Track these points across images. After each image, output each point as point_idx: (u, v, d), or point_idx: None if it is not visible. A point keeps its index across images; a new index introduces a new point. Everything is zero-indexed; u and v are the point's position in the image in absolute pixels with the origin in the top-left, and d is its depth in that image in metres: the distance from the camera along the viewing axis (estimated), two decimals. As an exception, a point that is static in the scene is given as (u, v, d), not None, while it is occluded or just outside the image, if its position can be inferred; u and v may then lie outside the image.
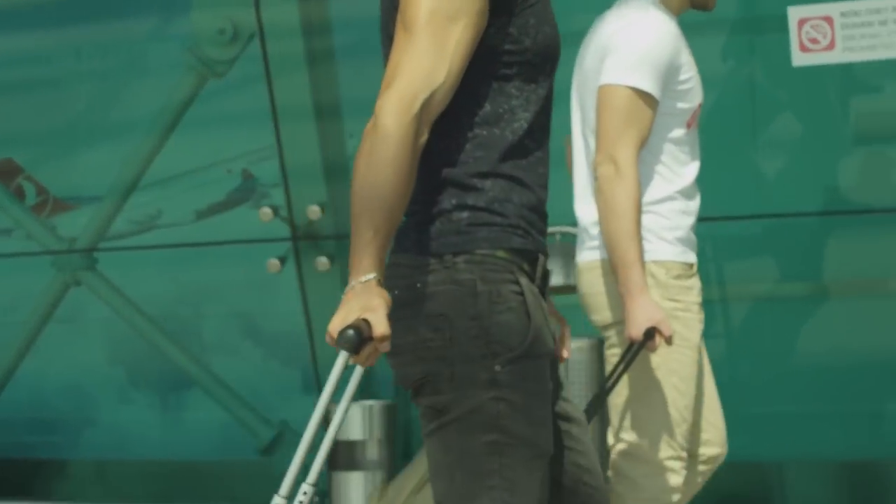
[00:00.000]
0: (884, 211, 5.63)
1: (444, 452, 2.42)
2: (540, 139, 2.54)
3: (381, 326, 2.27)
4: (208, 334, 6.76)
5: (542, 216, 2.55)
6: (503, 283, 2.41)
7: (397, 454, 5.18)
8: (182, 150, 6.59)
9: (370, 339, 2.28)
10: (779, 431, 5.59)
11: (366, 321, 2.27)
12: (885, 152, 5.78)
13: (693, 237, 3.95)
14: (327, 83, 6.37)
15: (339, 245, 6.35)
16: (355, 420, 5.11)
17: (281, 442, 6.47)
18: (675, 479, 3.79)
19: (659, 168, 3.84)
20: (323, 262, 6.22)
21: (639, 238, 3.69)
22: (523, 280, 2.45)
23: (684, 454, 3.82)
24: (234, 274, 6.54)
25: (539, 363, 2.43)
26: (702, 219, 4.05)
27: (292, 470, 2.36)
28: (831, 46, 5.30)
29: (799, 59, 5.37)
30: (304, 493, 2.33)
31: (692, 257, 3.92)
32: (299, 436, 6.83)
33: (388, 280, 2.44)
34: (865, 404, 5.69)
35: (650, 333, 3.65)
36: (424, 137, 2.38)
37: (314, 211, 6.20)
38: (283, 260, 6.30)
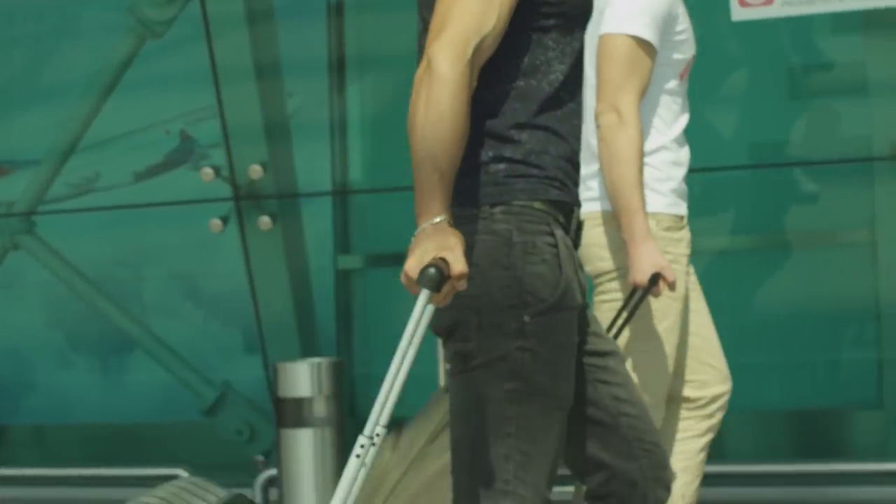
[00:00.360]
0: (825, 163, 5.72)
1: (466, 397, 2.47)
2: (573, 91, 2.59)
3: (459, 264, 2.31)
4: (149, 296, 6.74)
5: (577, 167, 2.60)
6: (538, 235, 2.47)
7: (345, 410, 5.21)
8: (120, 111, 6.55)
9: (448, 277, 2.32)
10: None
11: (443, 260, 2.30)
12: (826, 105, 5.87)
13: (684, 187, 3.98)
14: (267, 43, 6.35)
15: (280, 204, 6.35)
16: (303, 377, 5.13)
17: (224, 402, 6.47)
18: None
19: (654, 119, 3.88)
20: (265, 221, 6.22)
21: (642, 185, 3.70)
22: (558, 232, 2.50)
23: (663, 403, 3.88)
24: (174, 235, 6.52)
25: (567, 316, 2.48)
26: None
27: (376, 410, 2.40)
28: (770, 1, 5.36)
29: (738, 13, 5.42)
30: (378, 435, 2.36)
31: (683, 209, 3.95)
32: (242, 396, 6.87)
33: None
34: (811, 355, 5.79)
35: (654, 279, 3.69)
36: (475, 83, 2.42)
37: (256, 170, 6.19)
38: (224, 220, 6.29)
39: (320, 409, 5.15)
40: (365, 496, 3.00)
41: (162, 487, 4.64)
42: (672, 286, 3.71)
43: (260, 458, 6.15)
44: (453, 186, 2.44)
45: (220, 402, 6.46)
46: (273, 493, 5.86)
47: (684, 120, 3.97)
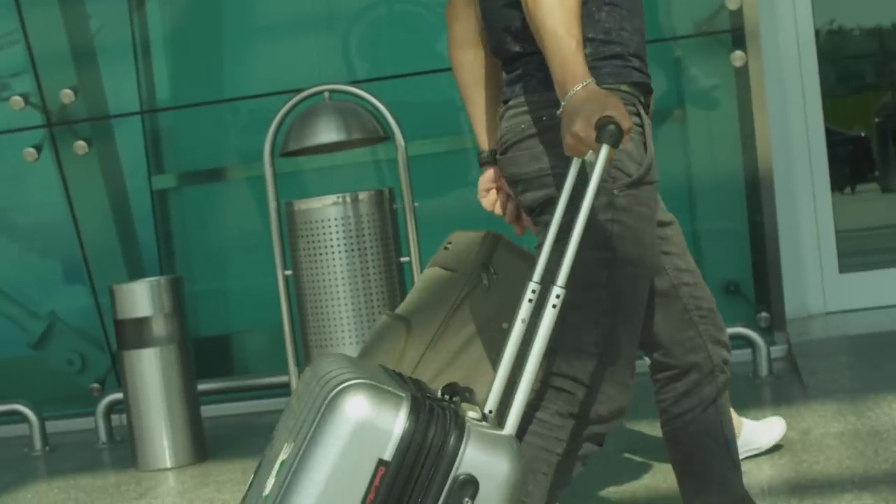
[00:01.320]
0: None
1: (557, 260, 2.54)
2: None
3: (626, 120, 2.37)
4: (-35, 233, 6.59)
5: (645, 44, 2.70)
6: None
7: (186, 327, 5.20)
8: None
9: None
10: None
11: (608, 117, 2.36)
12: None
13: None
14: (66, -35, 6.24)
15: (94, 128, 6.26)
16: (141, 297, 5.11)
17: (52, 334, 6.40)
18: None
19: None
20: (81, 145, 6.13)
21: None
22: (642, 112, 2.62)
23: None
24: (-14, 168, 6.38)
25: (651, 189, 2.60)
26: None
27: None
28: None
29: None
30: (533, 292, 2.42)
31: None
32: (70, 326, 6.79)
33: (515, 118, 2.62)
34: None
35: None
36: None
37: (67, 95, 6.09)
38: (38, 148, 6.17)
39: (160, 327, 5.14)
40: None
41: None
42: None
43: (95, 386, 6.11)
44: (542, 74, 2.53)
45: (47, 333, 6.39)
46: (116, 420, 5.85)
47: None
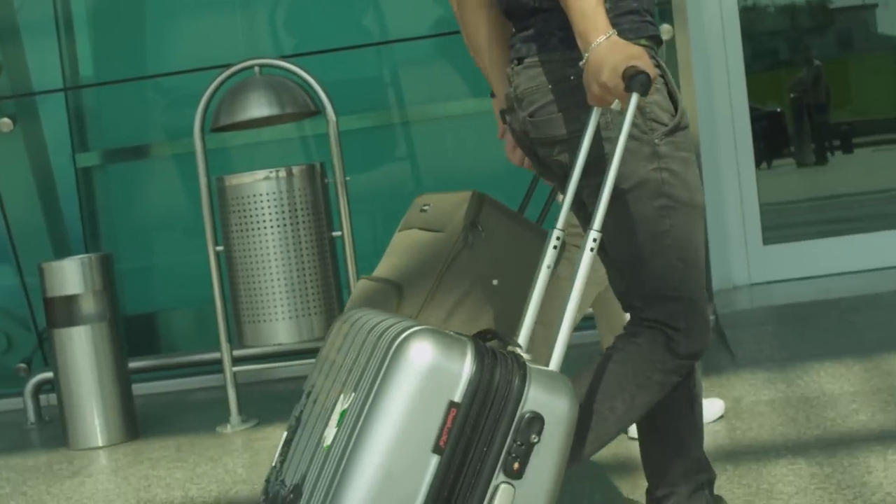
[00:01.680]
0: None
1: (621, 222, 2.66)
2: None
3: (651, 69, 2.46)
4: None
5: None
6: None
7: (116, 304, 5.17)
8: None
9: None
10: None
11: (634, 67, 2.44)
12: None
13: None
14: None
15: (18, 105, 6.18)
16: (72, 274, 5.06)
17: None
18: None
19: None
20: (6, 122, 6.05)
21: None
22: (662, 63, 2.69)
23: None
24: None
25: (685, 134, 2.69)
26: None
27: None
28: None
29: None
30: (557, 239, 2.54)
31: None
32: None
33: (537, 78, 2.68)
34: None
35: None
36: None
37: (-10, 71, 6.02)
38: (-38, 125, 6.09)
39: (89, 305, 5.10)
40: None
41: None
42: None
43: (22, 365, 6.05)
44: (562, 33, 2.61)
45: (-26, 310, 6.32)
46: (44, 400, 5.81)
47: None
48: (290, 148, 6.29)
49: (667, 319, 2.69)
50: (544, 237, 3.35)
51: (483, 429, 2.20)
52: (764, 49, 6.71)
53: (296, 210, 4.87)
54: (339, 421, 2.26)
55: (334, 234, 5.01)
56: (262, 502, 2.50)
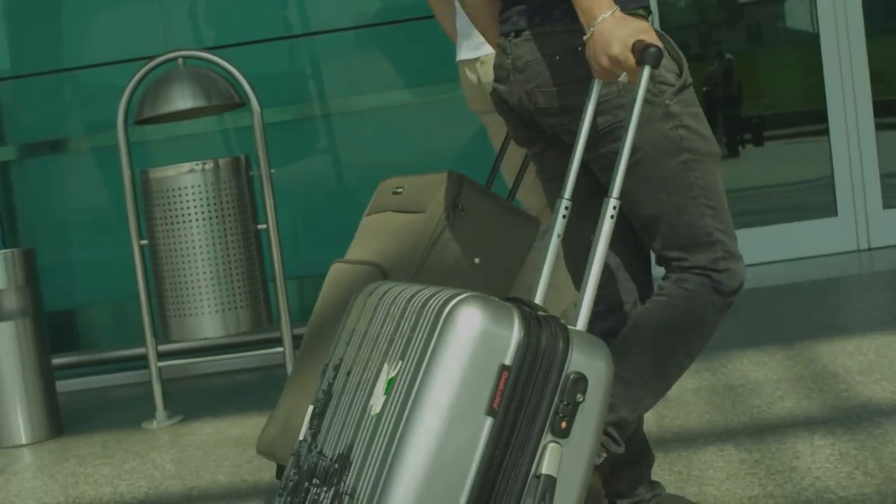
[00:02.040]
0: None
1: (650, 183, 2.75)
2: None
3: (658, 41, 2.54)
4: None
5: None
6: None
7: (40, 300, 5.10)
8: None
9: None
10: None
11: (641, 41, 2.52)
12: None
13: None
14: None
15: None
16: (-7, 270, 5.00)
17: None
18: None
19: None
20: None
21: None
22: (658, 29, 2.75)
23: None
24: None
25: (690, 91, 2.78)
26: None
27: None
28: None
29: None
30: (566, 209, 2.64)
31: None
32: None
33: (547, 48, 2.73)
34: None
35: None
36: None
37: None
38: None
39: (14, 301, 5.03)
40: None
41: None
42: None
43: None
44: (565, 4, 2.67)
45: None
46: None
47: None
48: (215, 141, 6.25)
49: (708, 264, 2.80)
50: (521, 216, 3.43)
51: (532, 390, 2.27)
52: (675, 43, 6.76)
53: (221, 203, 4.84)
54: (386, 389, 2.33)
55: (259, 227, 4.98)
56: (293, 475, 2.55)
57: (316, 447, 2.51)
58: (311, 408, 2.62)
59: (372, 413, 2.35)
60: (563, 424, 2.28)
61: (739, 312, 5.34)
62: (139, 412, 5.26)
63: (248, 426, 4.81)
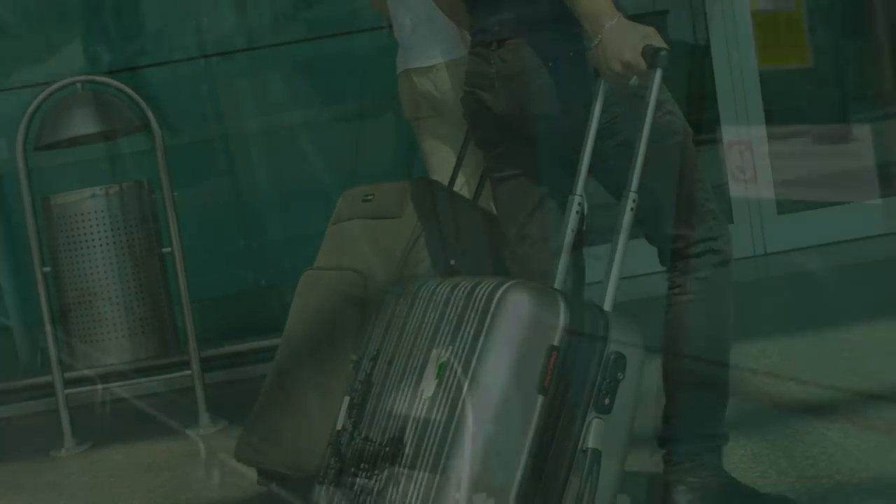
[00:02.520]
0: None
1: (652, 169, 2.78)
2: None
3: (664, 43, 2.63)
4: None
5: None
6: None
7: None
8: None
9: None
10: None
11: (650, 45, 2.61)
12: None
13: None
14: None
15: None
16: None
17: None
18: None
19: None
20: None
21: None
22: None
23: None
24: None
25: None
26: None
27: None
28: None
29: None
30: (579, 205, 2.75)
31: None
32: None
33: (539, 56, 2.82)
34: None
35: None
36: None
37: None
38: None
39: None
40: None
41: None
42: None
43: None
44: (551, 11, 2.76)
45: None
46: None
47: None
48: (118, 165, 6.21)
49: (708, 234, 2.96)
50: (489, 217, 3.50)
51: (577, 369, 2.41)
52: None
53: (125, 227, 4.83)
54: (438, 373, 2.45)
55: (164, 250, 4.96)
56: (335, 463, 2.63)
57: (360, 434, 2.60)
58: (346, 399, 2.71)
59: (424, 396, 2.46)
60: (606, 401, 2.43)
61: (649, 320, 5.39)
62: (46, 440, 5.20)
63: (158, 451, 4.78)
